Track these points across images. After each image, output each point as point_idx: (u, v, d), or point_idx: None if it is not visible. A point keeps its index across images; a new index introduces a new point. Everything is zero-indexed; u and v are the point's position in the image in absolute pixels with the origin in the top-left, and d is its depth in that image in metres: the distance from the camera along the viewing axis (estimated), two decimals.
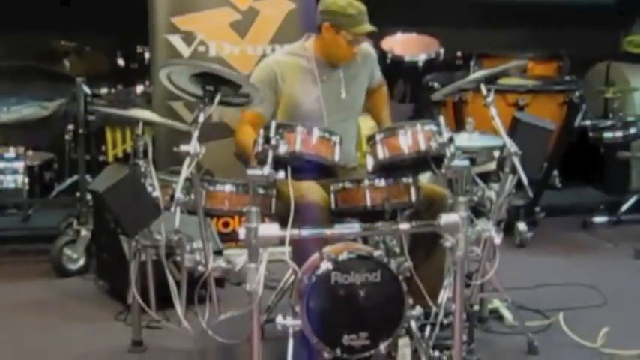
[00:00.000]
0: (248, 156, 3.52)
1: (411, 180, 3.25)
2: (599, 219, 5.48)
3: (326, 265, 3.03)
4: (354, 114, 3.86)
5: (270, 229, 2.83)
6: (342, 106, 3.74)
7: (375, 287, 3.06)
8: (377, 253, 3.13)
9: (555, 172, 5.89)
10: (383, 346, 3.08)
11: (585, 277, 4.41)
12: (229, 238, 4.46)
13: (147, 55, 5.32)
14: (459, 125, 4.94)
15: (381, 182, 3.23)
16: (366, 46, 3.90)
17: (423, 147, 3.12)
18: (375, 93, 4.00)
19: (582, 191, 6.20)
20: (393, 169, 3.22)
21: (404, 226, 3.11)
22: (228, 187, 3.28)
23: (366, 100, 4.01)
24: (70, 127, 5.21)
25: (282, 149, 2.97)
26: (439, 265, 3.47)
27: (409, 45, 6.10)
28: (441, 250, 3.33)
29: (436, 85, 5.34)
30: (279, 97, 3.67)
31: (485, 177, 3.60)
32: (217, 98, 3.10)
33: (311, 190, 3.33)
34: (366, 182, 3.24)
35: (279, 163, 2.95)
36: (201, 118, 3.08)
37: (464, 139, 3.66)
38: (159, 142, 4.66)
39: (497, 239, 3.33)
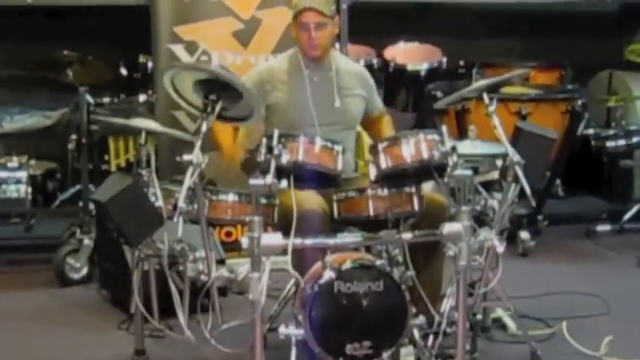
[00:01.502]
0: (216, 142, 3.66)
1: (413, 189, 3.25)
2: (602, 227, 5.45)
3: (329, 275, 3.02)
4: (350, 124, 3.80)
5: (272, 238, 2.83)
6: (335, 114, 3.71)
7: (377, 296, 3.05)
8: (379, 262, 3.13)
9: (558, 181, 5.89)
10: (386, 356, 3.07)
11: (588, 286, 4.40)
12: (232, 247, 4.44)
13: (149, 65, 5.34)
14: (461, 134, 4.94)
15: (383, 191, 3.23)
16: (359, 68, 3.99)
17: (425, 156, 3.12)
18: (376, 124, 3.93)
19: (585, 200, 6.18)
20: (395, 178, 3.21)
21: (406, 236, 3.11)
22: (231, 197, 3.28)
23: (368, 130, 3.96)
24: (73, 136, 5.23)
25: (285, 158, 2.98)
26: (438, 272, 3.49)
27: (411, 54, 6.13)
28: (440, 258, 3.33)
29: (439, 94, 5.34)
30: (267, 104, 3.68)
31: (488, 186, 3.60)
32: (218, 106, 3.11)
33: (309, 199, 3.31)
34: (369, 191, 3.24)
35: (281, 173, 2.95)
36: (203, 128, 3.09)
37: (466, 147, 3.66)
38: (161, 151, 4.66)
39: (500, 248, 3.33)
